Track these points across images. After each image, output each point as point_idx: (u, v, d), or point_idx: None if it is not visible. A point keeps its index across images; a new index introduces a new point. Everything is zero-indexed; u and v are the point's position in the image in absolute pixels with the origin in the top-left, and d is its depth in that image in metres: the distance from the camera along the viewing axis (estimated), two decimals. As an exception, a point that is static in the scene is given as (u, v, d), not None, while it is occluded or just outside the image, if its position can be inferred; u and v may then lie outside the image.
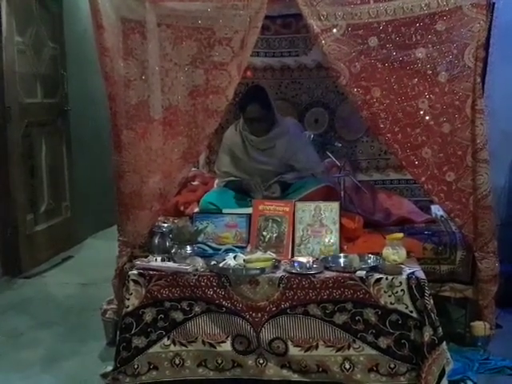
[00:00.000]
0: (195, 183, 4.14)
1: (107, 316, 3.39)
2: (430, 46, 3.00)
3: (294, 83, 4.25)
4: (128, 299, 2.92)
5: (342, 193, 3.59)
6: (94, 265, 4.89)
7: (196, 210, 3.63)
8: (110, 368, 2.98)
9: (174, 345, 2.92)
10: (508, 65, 3.84)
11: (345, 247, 3.16)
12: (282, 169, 3.73)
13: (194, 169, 4.17)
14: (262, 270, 2.86)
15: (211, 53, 3.09)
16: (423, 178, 3.13)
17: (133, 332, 2.91)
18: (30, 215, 4.86)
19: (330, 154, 3.82)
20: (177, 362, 2.92)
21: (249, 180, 3.64)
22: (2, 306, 4.13)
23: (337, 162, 3.78)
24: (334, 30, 3.00)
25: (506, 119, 3.92)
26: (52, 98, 5.19)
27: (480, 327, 3.16)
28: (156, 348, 2.92)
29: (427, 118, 3.07)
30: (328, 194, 3.45)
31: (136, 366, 2.91)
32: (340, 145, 4.00)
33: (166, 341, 2.92)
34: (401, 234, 2.95)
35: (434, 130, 3.07)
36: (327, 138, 4.18)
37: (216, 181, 3.95)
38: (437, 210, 3.66)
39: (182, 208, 3.80)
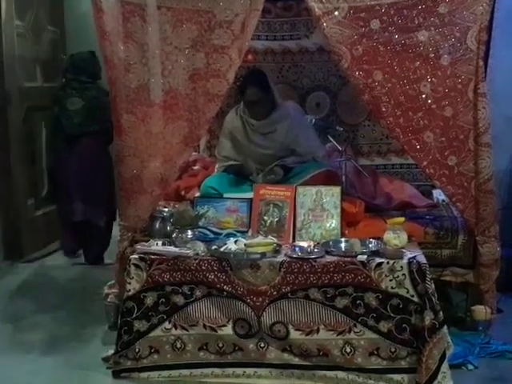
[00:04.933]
0: (196, 168, 4.13)
1: (109, 300, 3.38)
2: (432, 28, 2.98)
3: (295, 67, 4.23)
4: (129, 283, 2.93)
5: (344, 177, 3.58)
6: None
7: (197, 194, 3.62)
8: (111, 352, 2.99)
9: (175, 328, 2.92)
10: (511, 49, 3.80)
11: (346, 232, 3.16)
12: (283, 153, 3.72)
13: (194, 153, 4.16)
14: (263, 254, 2.86)
15: (212, 36, 3.07)
16: (425, 163, 3.12)
17: (134, 316, 2.92)
18: (30, 200, 4.86)
19: (331, 138, 3.80)
20: (178, 345, 2.93)
21: (249, 165, 3.63)
22: (3, 291, 4.15)
23: (338, 147, 3.76)
24: (336, 13, 2.98)
25: (509, 103, 3.89)
26: (52, 82, 5.15)
27: (481, 311, 3.17)
28: (157, 332, 2.93)
29: (429, 101, 3.05)
30: (329, 179, 3.44)
31: (137, 350, 2.92)
32: (341, 129, 3.98)
33: (167, 324, 2.93)
34: (402, 219, 2.94)
35: (436, 113, 3.06)
36: (329, 122, 4.16)
37: (217, 165, 3.94)
38: (438, 195, 3.65)
39: (182, 192, 3.80)
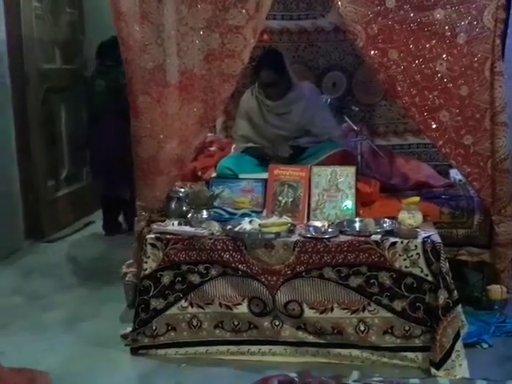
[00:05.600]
0: (212, 149, 4.15)
1: (127, 279, 3.44)
2: (448, 6, 2.94)
3: (311, 46, 4.21)
4: (146, 262, 2.97)
5: (359, 157, 3.58)
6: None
7: (213, 175, 3.64)
8: (129, 329, 3.05)
9: (192, 307, 2.97)
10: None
11: (360, 211, 3.17)
12: (298, 133, 3.72)
13: (211, 134, 4.18)
14: (277, 234, 2.88)
15: (226, 16, 3.06)
16: (441, 142, 3.10)
17: (151, 294, 2.97)
18: (51, 181, 4.93)
19: (346, 119, 3.80)
20: (194, 323, 2.97)
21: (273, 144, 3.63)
22: (25, 269, 4.22)
23: (354, 127, 3.75)
24: (351, -9, 2.95)
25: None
26: (71, 64, 5.21)
27: (497, 291, 3.16)
28: (174, 310, 2.97)
29: (445, 80, 3.02)
30: (345, 159, 3.43)
31: (154, 328, 2.97)
32: (357, 109, 3.97)
33: (183, 303, 2.97)
34: (417, 198, 2.93)
35: (452, 92, 3.03)
36: (345, 101, 4.15)
37: (233, 146, 3.95)
38: (455, 174, 3.63)
39: (199, 173, 3.82)
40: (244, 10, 3.04)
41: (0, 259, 4.32)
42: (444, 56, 3.01)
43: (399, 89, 3.06)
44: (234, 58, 3.09)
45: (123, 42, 3.17)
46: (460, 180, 3.57)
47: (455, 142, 3.07)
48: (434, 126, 3.08)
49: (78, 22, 5.33)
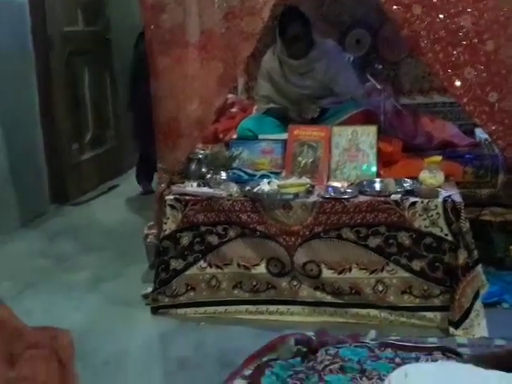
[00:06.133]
0: (234, 110, 4.11)
1: (148, 240, 3.45)
2: (474, -39, 2.83)
3: (335, 2, 4.11)
4: (165, 223, 2.98)
5: (382, 117, 3.50)
6: (138, 193, 5.01)
7: (234, 136, 3.61)
8: (150, 289, 3.08)
9: (210, 267, 2.98)
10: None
11: (382, 172, 3.11)
12: (321, 92, 3.65)
13: (232, 95, 4.14)
14: (296, 195, 2.86)
15: (246, -27, 3.00)
16: (465, 99, 3.00)
17: (170, 255, 2.99)
18: (75, 144, 4.96)
19: (370, 77, 3.71)
20: (213, 283, 2.99)
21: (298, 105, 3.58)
22: (50, 232, 4.29)
23: (377, 85, 3.67)
24: None
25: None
26: (93, 26, 5.19)
27: (520, 251, 3.11)
28: (193, 270, 2.99)
29: (470, 35, 2.91)
30: (368, 118, 3.37)
31: (174, 288, 3.00)
32: (381, 66, 3.87)
33: (202, 263, 2.98)
34: (439, 157, 2.87)
35: (477, 47, 2.92)
36: (369, 59, 4.05)
37: (255, 107, 3.91)
38: (481, 133, 3.53)
39: (221, 135, 3.80)
40: (264, -34, 2.97)
41: (26, 223, 4.38)
42: (469, 10, 2.89)
43: (423, 45, 2.96)
44: (254, 16, 3.03)
45: (142, 2, 3.14)
46: (486, 139, 3.47)
47: (480, 100, 2.97)
48: (458, 83, 2.99)
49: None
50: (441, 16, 2.93)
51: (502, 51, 2.92)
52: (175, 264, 2.99)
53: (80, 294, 3.32)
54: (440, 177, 2.81)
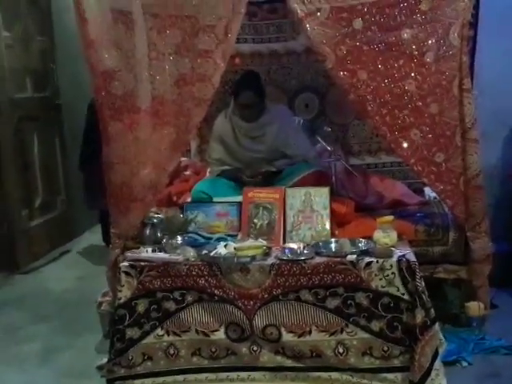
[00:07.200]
0: (187, 173, 4.12)
1: (102, 308, 3.39)
2: (414, 26, 2.96)
3: (283, 68, 4.21)
4: (120, 291, 2.92)
5: (334, 177, 3.57)
6: (91, 259, 4.92)
7: (189, 199, 3.61)
8: (105, 360, 2.98)
9: (168, 335, 2.92)
10: (497, 41, 3.80)
11: (336, 232, 3.15)
12: (273, 156, 3.72)
13: (185, 159, 4.16)
14: (253, 257, 2.86)
15: (196, 41, 3.05)
16: (413, 160, 3.11)
17: (126, 323, 2.92)
18: (24, 210, 4.86)
19: (320, 139, 3.78)
20: (171, 351, 2.92)
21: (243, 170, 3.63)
22: (-1, 303, 4.15)
23: (327, 147, 3.75)
24: (318, 14, 2.97)
25: (496, 98, 3.88)
26: (42, 92, 5.17)
27: (475, 307, 3.15)
28: (150, 339, 2.92)
29: (414, 99, 3.04)
30: (319, 179, 3.43)
31: (130, 358, 2.92)
32: (329, 129, 3.95)
33: (159, 331, 2.92)
34: (391, 217, 2.93)
35: (422, 110, 3.05)
36: (318, 122, 4.14)
37: (209, 169, 3.93)
38: (430, 192, 3.63)
39: (174, 198, 3.79)
40: (213, 35, 3.03)
41: (-26, 293, 4.24)
42: (412, 75, 3.03)
43: (369, 108, 3.07)
44: (205, 82, 3.07)
45: (93, 69, 3.13)
46: (435, 198, 3.56)
47: (427, 160, 3.08)
48: (405, 145, 3.09)
49: (49, 50, 5.29)
50: (386, 81, 3.06)
51: (445, 113, 3.06)
52: (131, 333, 2.92)
53: (31, 367, 3.22)
54: (393, 236, 2.86)
